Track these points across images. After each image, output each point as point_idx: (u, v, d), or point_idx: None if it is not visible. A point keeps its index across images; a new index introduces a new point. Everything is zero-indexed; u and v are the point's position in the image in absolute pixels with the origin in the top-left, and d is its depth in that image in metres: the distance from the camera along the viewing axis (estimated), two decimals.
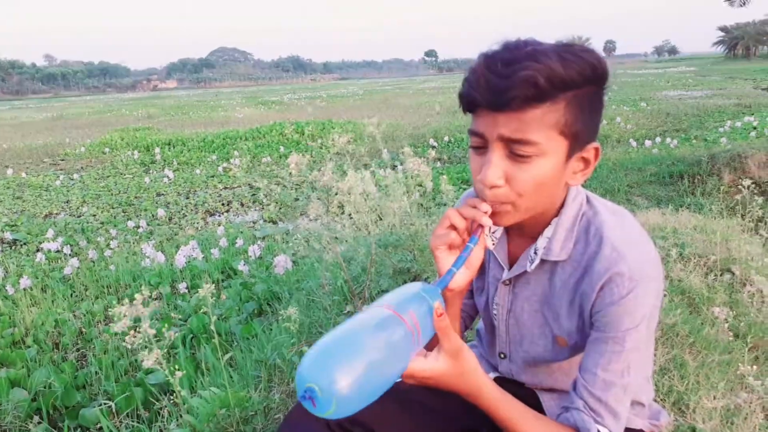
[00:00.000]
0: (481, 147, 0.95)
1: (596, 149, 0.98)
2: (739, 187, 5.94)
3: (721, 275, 2.35)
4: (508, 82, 0.86)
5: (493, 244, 1.16)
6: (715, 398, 1.44)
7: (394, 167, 5.86)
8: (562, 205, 1.04)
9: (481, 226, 0.97)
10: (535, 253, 1.07)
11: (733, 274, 2.34)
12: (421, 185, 4.58)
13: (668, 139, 9.70)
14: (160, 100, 47.88)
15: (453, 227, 0.99)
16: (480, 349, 1.36)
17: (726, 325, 1.85)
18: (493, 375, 1.27)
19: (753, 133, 9.73)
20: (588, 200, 1.06)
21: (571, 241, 1.03)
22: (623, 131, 11.62)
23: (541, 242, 1.06)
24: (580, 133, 0.93)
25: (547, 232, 1.05)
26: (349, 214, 2.99)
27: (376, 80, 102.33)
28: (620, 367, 0.96)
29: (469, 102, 0.93)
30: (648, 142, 9.43)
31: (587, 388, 0.98)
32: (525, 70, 0.85)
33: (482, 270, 1.23)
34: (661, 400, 1.51)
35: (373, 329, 0.81)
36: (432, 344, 0.94)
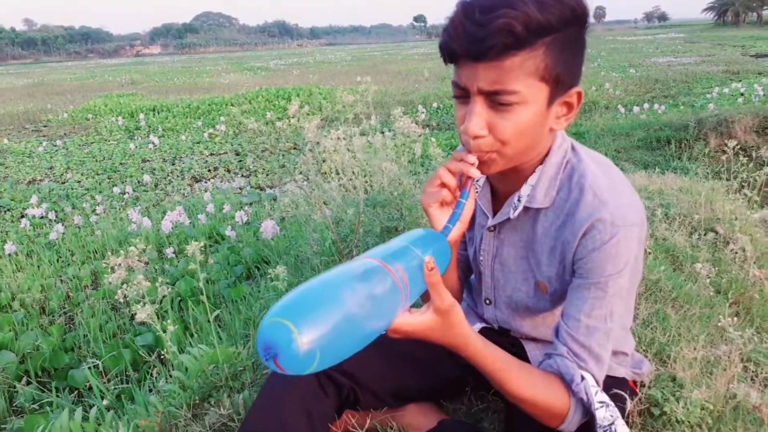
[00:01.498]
0: (464, 96, 0.95)
1: (579, 93, 0.97)
2: (725, 150, 5.99)
3: (704, 234, 2.38)
4: (484, 31, 0.85)
5: (476, 191, 1.16)
6: (695, 349, 1.48)
7: (382, 132, 5.83)
8: (547, 153, 1.04)
9: (470, 178, 0.98)
10: (519, 200, 1.07)
11: (717, 233, 2.38)
12: (410, 150, 4.56)
13: (656, 105, 9.69)
14: (144, 65, 46.99)
15: (443, 185, 1.00)
16: (467, 300, 1.37)
17: (708, 280, 1.88)
18: (479, 325, 1.29)
19: (740, 100, 9.75)
20: (573, 148, 1.06)
21: (554, 188, 1.03)
22: (612, 97, 11.60)
23: (525, 189, 1.06)
24: (562, 77, 0.92)
25: (531, 179, 1.05)
26: (339, 178, 2.98)
27: (364, 46, 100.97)
28: (603, 313, 0.97)
29: (449, 53, 0.93)
30: (636, 108, 9.42)
31: (570, 334, 0.99)
32: (501, 18, 0.84)
33: (473, 220, 1.24)
34: (644, 350, 1.54)
35: (354, 279, 0.74)
36: (425, 298, 0.94)
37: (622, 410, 1.14)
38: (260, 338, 0.67)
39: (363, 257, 0.83)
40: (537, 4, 0.85)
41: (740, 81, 13.07)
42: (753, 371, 1.56)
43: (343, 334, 0.70)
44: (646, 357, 1.49)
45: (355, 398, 1.20)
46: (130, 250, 1.94)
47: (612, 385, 1.14)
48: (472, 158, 0.96)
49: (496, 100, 0.90)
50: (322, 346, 0.67)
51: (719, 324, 1.54)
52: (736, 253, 2.09)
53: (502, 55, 0.86)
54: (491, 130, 0.93)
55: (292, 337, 0.65)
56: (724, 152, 6.00)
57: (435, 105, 12.20)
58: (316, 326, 0.67)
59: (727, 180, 3.22)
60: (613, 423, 0.98)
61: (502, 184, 1.12)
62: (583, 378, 0.97)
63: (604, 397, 0.98)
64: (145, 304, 1.84)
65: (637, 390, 1.27)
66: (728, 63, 18.51)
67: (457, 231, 1.02)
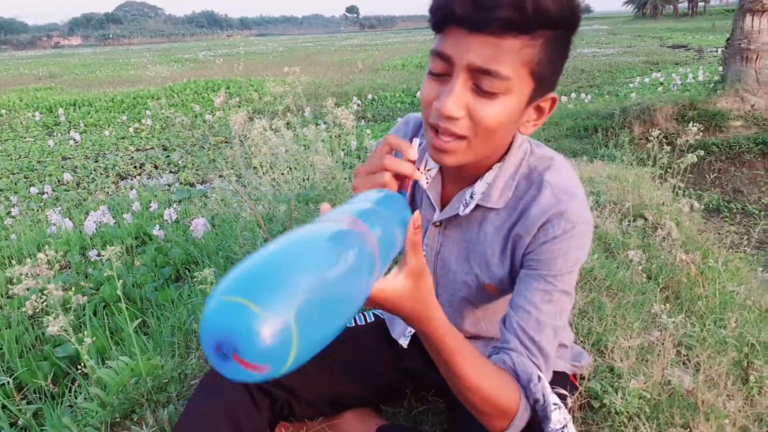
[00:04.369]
0: (443, 74, 0.85)
1: (553, 99, 0.92)
2: (649, 138, 6.23)
3: (634, 221, 2.44)
4: (493, 0, 0.77)
5: (427, 182, 1.08)
6: (630, 337, 1.48)
7: (317, 125, 5.73)
8: (506, 152, 0.98)
9: (408, 178, 0.86)
10: (471, 197, 1.01)
11: (645, 219, 2.43)
12: (345, 142, 4.48)
13: (583, 95, 10.00)
14: (63, 58, 44.59)
15: (385, 169, 0.83)
16: None
17: (640, 267, 1.91)
18: (411, 330, 1.23)
19: (660, 89, 10.20)
20: (531, 147, 1.01)
21: (511, 189, 0.98)
22: None
23: (480, 187, 1.00)
24: (546, 79, 0.87)
25: (488, 177, 0.99)
26: (266, 170, 2.86)
27: (296, 37, 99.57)
28: (553, 309, 0.93)
29: (444, 14, 0.82)
30: (564, 98, 9.68)
31: (521, 326, 0.93)
32: None
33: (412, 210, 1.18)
34: (581, 341, 1.54)
35: (325, 242, 0.57)
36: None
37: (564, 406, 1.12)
38: (207, 330, 0.46)
39: (325, 219, 0.65)
40: None
41: (659, 71, 13.69)
42: (685, 355, 1.59)
43: (321, 312, 0.51)
44: (585, 348, 1.49)
45: (289, 410, 1.13)
46: (38, 257, 1.79)
47: (553, 380, 1.12)
48: (413, 153, 0.84)
49: (481, 84, 0.82)
50: (301, 329, 0.47)
51: (652, 311, 1.56)
52: (664, 238, 2.14)
53: (505, 32, 0.78)
54: (469, 114, 0.84)
55: (254, 319, 0.45)
56: (648, 140, 6.25)
57: (370, 97, 12.14)
58: (285, 301, 0.47)
59: (652, 166, 3.32)
60: (565, 426, 0.92)
61: (453, 178, 1.06)
62: (540, 378, 0.91)
63: (557, 399, 0.93)
64: (57, 315, 1.69)
65: (577, 383, 1.26)
66: (648, 54, 19.35)
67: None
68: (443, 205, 1.08)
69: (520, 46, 0.80)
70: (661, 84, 10.97)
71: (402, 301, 0.75)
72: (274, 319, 0.45)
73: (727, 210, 5.19)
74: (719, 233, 3.18)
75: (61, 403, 2.15)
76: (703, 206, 2.45)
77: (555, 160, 1.00)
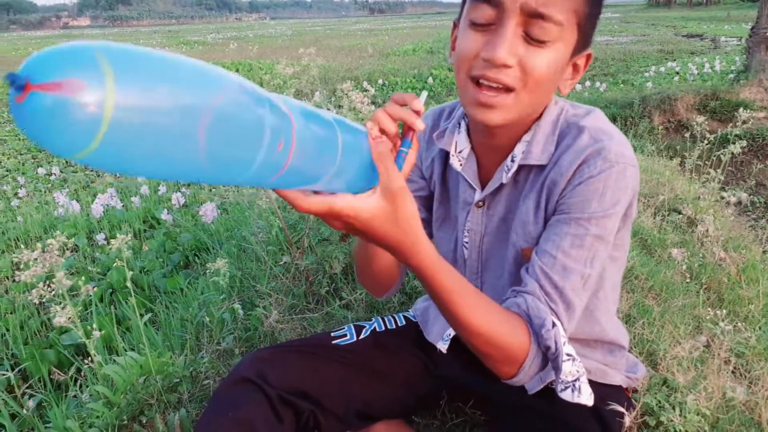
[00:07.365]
0: (486, 24, 0.81)
1: (588, 56, 0.87)
2: (668, 128, 6.06)
3: (668, 215, 2.31)
4: None
5: (461, 164, 1.00)
6: (679, 344, 1.37)
7: (329, 110, 5.60)
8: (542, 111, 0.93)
9: (412, 129, 0.79)
10: (512, 160, 0.93)
11: (680, 213, 2.30)
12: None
13: (597, 83, 9.80)
14: (72, 38, 44.41)
15: (382, 132, 0.78)
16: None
17: (684, 267, 1.79)
18: (451, 331, 1.11)
19: (676, 78, 9.99)
20: (566, 104, 0.95)
21: (553, 144, 0.90)
22: None
23: (520, 147, 0.93)
24: (587, 33, 0.83)
25: (526, 136, 0.93)
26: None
27: (305, 20, 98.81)
28: (583, 255, 0.84)
29: None
30: (578, 86, 9.50)
31: (544, 271, 0.85)
32: None
33: (446, 198, 1.08)
34: (632, 350, 1.43)
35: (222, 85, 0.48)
36: None
37: (620, 425, 1.01)
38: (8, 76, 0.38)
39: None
40: None
41: (674, 60, 13.42)
42: (734, 362, 1.48)
43: (158, 127, 0.42)
44: (637, 357, 1.37)
45: (315, 422, 1.02)
46: (48, 242, 1.69)
47: (607, 394, 1.01)
48: (418, 104, 0.77)
49: (531, 32, 0.78)
50: (118, 116, 0.39)
51: (700, 314, 1.45)
52: (705, 236, 2.02)
53: None
54: (520, 64, 0.79)
55: (52, 50, 0.39)
56: (668, 129, 6.09)
57: (380, 81, 11.98)
58: (127, 83, 0.39)
59: (686, 157, 3.17)
60: (577, 379, 0.84)
61: (488, 153, 0.98)
62: (554, 325, 0.82)
63: (572, 350, 0.84)
64: (65, 306, 1.59)
65: (631, 397, 1.14)
66: (662, 43, 19.02)
67: None
68: (483, 184, 1.00)
69: None
70: (677, 73, 10.75)
71: (374, 223, 0.70)
72: (79, 54, 0.38)
73: (750, 204, 5.04)
74: (743, 227, 3.04)
75: (66, 396, 2.06)
76: (747, 201, 2.31)
77: (594, 110, 0.94)
